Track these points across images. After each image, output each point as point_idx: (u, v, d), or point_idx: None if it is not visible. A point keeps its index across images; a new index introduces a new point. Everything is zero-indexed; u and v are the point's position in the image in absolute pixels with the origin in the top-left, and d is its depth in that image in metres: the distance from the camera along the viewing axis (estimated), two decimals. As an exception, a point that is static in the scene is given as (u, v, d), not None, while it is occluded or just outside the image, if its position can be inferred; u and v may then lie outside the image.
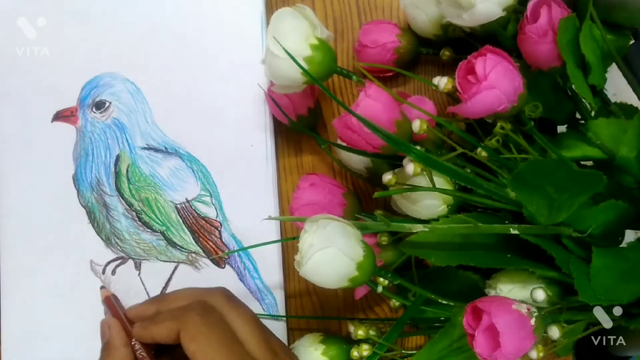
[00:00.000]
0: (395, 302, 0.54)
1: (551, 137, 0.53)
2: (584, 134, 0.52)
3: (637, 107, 0.52)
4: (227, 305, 0.48)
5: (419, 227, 0.47)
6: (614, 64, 0.52)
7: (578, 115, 0.54)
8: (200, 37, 0.60)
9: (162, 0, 0.61)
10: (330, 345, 0.54)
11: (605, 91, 0.52)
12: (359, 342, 0.53)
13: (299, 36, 0.48)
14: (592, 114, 0.53)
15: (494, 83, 0.45)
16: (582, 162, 0.53)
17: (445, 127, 0.50)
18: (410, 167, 0.47)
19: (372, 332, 0.52)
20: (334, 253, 0.43)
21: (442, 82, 0.48)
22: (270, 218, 0.57)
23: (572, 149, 0.52)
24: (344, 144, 0.50)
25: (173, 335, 0.46)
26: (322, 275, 0.44)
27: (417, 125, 0.47)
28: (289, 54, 0.46)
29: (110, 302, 0.55)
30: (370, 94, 0.47)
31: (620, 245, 0.51)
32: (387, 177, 0.49)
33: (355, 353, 0.53)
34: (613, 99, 0.53)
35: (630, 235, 0.51)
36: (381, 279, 0.50)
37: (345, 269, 0.44)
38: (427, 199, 0.49)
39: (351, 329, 0.53)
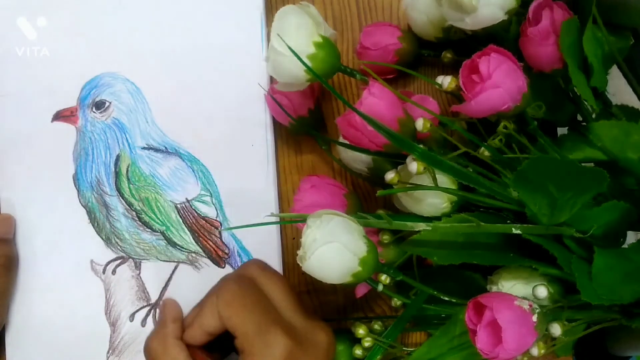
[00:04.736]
0: (396, 301, 0.54)
1: (552, 139, 0.53)
2: (585, 136, 0.52)
3: (638, 109, 0.52)
4: (262, 274, 0.51)
5: (421, 226, 0.47)
6: (613, 65, 0.52)
7: (579, 117, 0.54)
8: (200, 37, 0.60)
9: (161, 0, 0.61)
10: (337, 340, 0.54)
11: (606, 92, 0.52)
12: (360, 340, 0.53)
13: (303, 34, 0.47)
14: (594, 116, 0.53)
15: (498, 82, 0.45)
16: (583, 164, 0.53)
17: (448, 126, 0.50)
18: (413, 165, 0.47)
19: (376, 327, 0.52)
20: (337, 248, 0.43)
21: (445, 81, 0.48)
22: (271, 222, 0.57)
23: (574, 151, 0.52)
24: (347, 143, 0.50)
25: (217, 315, 0.48)
26: (325, 270, 0.44)
27: (420, 124, 0.47)
28: (292, 52, 0.46)
29: None
30: (373, 92, 0.47)
31: (622, 247, 0.51)
32: (390, 176, 0.49)
33: (357, 351, 0.53)
34: (612, 99, 0.53)
35: (631, 237, 0.51)
36: (382, 278, 0.50)
37: (348, 264, 0.44)
38: (431, 197, 0.49)
39: (353, 329, 0.53)
